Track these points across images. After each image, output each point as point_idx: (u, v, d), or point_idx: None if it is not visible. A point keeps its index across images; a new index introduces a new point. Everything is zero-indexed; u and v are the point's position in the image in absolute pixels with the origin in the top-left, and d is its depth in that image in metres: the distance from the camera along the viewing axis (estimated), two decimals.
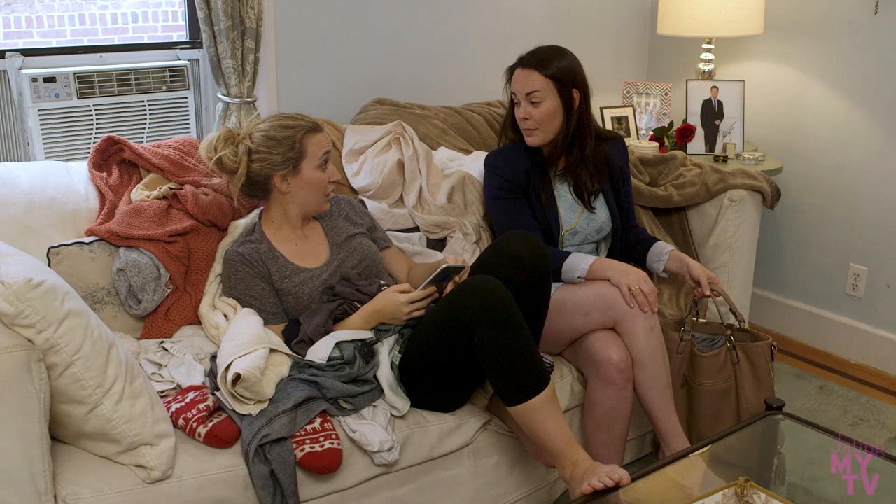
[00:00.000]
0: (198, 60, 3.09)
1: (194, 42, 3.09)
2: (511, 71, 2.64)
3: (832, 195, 3.62)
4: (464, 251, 2.79)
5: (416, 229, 2.88)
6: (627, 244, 2.79)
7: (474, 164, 3.04)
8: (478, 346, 2.08)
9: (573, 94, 2.57)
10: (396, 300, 2.25)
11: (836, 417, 3.19)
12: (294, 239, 2.42)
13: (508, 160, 2.68)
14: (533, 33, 3.73)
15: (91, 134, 2.85)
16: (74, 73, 2.80)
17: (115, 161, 2.54)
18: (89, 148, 2.85)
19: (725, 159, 3.49)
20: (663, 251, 2.68)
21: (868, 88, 3.44)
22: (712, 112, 3.61)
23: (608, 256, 2.76)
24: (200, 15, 2.83)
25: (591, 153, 2.65)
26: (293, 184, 2.34)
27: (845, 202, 3.59)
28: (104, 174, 2.50)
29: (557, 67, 2.56)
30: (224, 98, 2.94)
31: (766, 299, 3.88)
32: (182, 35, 3.12)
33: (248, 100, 2.96)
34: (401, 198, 2.94)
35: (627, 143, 2.95)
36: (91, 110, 2.84)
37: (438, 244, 2.85)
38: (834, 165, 3.60)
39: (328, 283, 2.37)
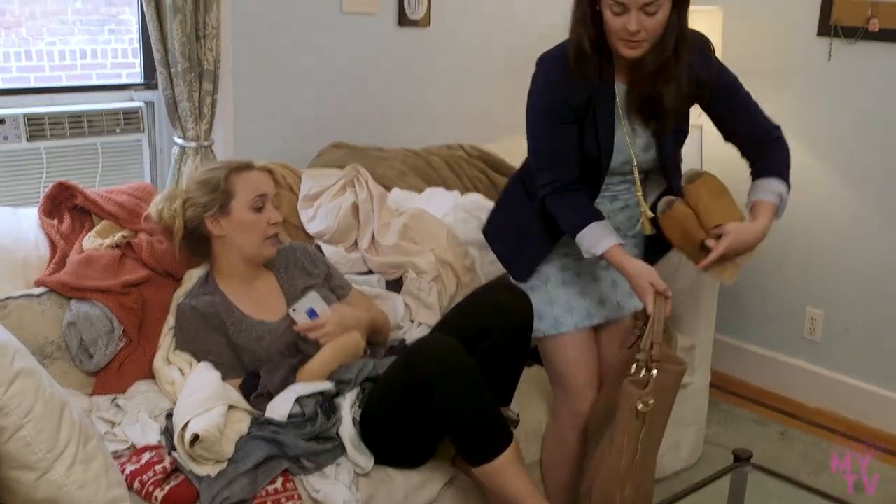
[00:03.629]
0: (153, 102, 3.01)
1: (149, 83, 3.00)
2: None
3: (789, 239, 3.64)
4: (420, 290, 2.74)
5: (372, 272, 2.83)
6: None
7: (429, 202, 3.01)
8: (437, 408, 2.03)
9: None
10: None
11: (799, 465, 3.18)
12: (247, 291, 2.35)
13: (573, 74, 2.18)
14: (493, 76, 3.71)
15: (41, 178, 2.75)
16: (24, 115, 2.70)
17: (67, 207, 2.45)
18: (39, 192, 2.74)
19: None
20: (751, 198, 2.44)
21: (823, 134, 3.48)
22: None
23: (663, 194, 2.39)
24: (157, 56, 2.75)
25: (684, 70, 2.23)
26: (226, 226, 2.28)
27: (802, 246, 3.61)
28: (55, 221, 2.40)
29: None
30: (180, 142, 2.86)
31: (724, 344, 3.87)
32: (134, 74, 3.04)
33: (205, 143, 2.88)
34: (356, 241, 2.89)
35: None
36: (41, 153, 2.74)
37: (396, 285, 2.79)
38: (790, 210, 3.58)
39: (285, 338, 2.30)
